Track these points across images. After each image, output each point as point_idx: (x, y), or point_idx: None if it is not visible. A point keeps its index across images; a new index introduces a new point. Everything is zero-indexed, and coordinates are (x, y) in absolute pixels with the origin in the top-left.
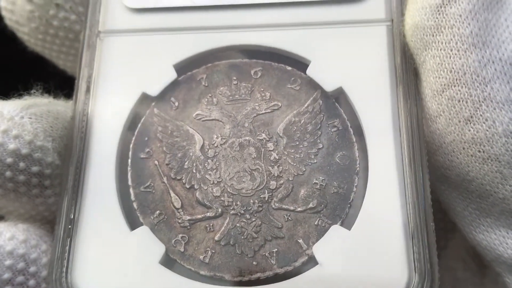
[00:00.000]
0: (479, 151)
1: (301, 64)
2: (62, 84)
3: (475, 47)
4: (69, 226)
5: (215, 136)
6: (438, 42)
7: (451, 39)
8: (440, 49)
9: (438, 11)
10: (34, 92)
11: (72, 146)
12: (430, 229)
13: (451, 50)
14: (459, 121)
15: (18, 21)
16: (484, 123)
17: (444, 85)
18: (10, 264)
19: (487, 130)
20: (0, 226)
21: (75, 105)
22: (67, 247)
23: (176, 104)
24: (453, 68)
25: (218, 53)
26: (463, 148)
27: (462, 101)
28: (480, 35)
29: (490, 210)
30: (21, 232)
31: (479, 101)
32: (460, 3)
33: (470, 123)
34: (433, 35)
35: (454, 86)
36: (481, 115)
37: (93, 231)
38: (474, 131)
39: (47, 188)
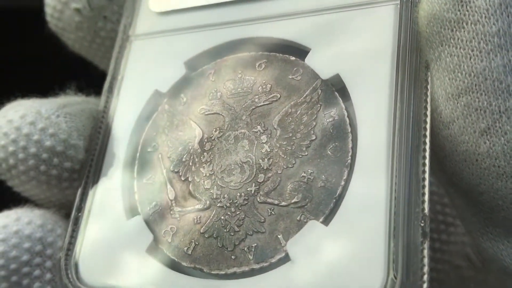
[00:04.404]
0: (494, 166)
1: (304, 53)
2: (95, 81)
3: (501, 49)
4: (79, 214)
5: (214, 130)
6: (458, 39)
7: (473, 38)
8: (460, 48)
9: (462, 2)
10: (68, 92)
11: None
12: (417, 230)
13: (472, 51)
14: (474, 132)
15: (65, 28)
16: (502, 136)
17: (461, 89)
18: (29, 247)
19: (505, 145)
20: (18, 212)
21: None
22: (74, 233)
23: (185, 99)
24: (472, 71)
25: (226, 48)
26: (476, 160)
27: (480, 110)
28: (509, 33)
29: (500, 222)
30: (38, 217)
31: (500, 111)
32: None
33: (487, 135)
34: (452, 30)
35: (472, 92)
36: (500, 127)
37: (95, 219)
38: (490, 144)
39: (75, 181)
